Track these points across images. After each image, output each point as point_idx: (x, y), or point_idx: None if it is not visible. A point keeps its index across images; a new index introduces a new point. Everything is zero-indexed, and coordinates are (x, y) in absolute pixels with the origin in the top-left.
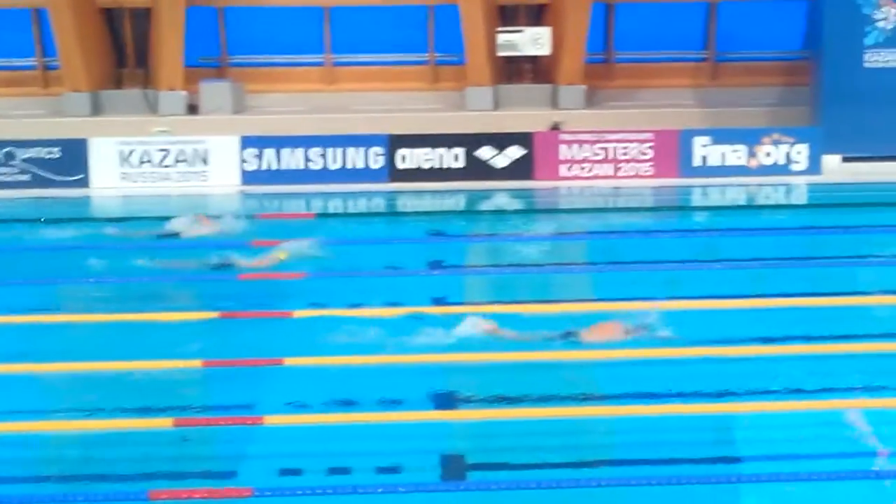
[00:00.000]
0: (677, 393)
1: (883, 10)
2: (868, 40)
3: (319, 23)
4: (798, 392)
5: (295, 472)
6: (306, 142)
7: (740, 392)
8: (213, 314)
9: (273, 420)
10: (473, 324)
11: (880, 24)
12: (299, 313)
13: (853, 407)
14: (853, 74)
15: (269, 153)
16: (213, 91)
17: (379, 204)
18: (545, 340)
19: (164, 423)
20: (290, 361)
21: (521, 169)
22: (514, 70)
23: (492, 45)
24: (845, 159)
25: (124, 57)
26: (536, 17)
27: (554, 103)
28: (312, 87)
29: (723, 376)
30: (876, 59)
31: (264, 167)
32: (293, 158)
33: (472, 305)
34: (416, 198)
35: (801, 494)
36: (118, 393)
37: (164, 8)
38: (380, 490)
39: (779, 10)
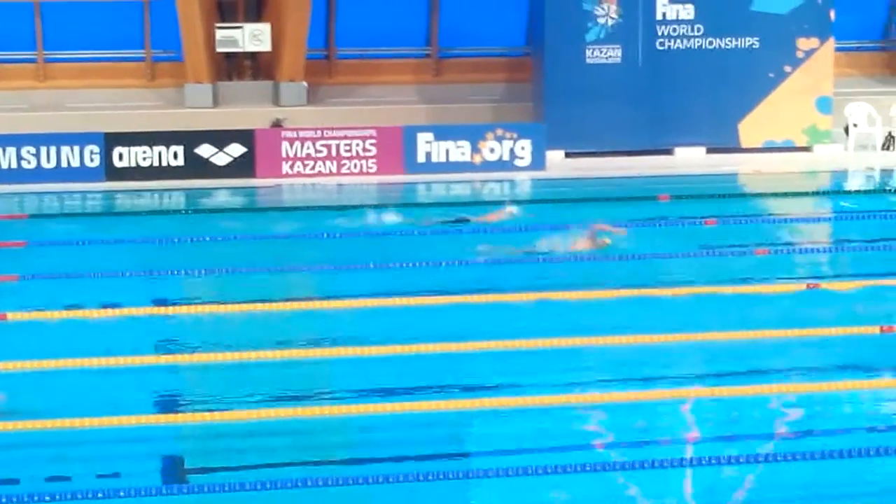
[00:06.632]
0: (406, 389)
1: (603, 6)
2: (589, 36)
3: (30, 18)
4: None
5: (12, 481)
6: (18, 140)
7: (474, 388)
8: None
9: None
10: None
11: (601, 20)
12: (13, 315)
13: (587, 401)
14: (575, 70)
15: None
16: None
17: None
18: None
19: None
20: (2, 366)
21: (242, 167)
22: (234, 67)
23: (210, 41)
24: (568, 154)
25: None
26: (256, 12)
27: (275, 100)
28: (24, 84)
29: (454, 372)
30: (597, 54)
31: None
32: (5, 157)
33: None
34: (133, 197)
35: (528, 489)
36: None
37: None
38: (99, 496)
39: (501, 5)
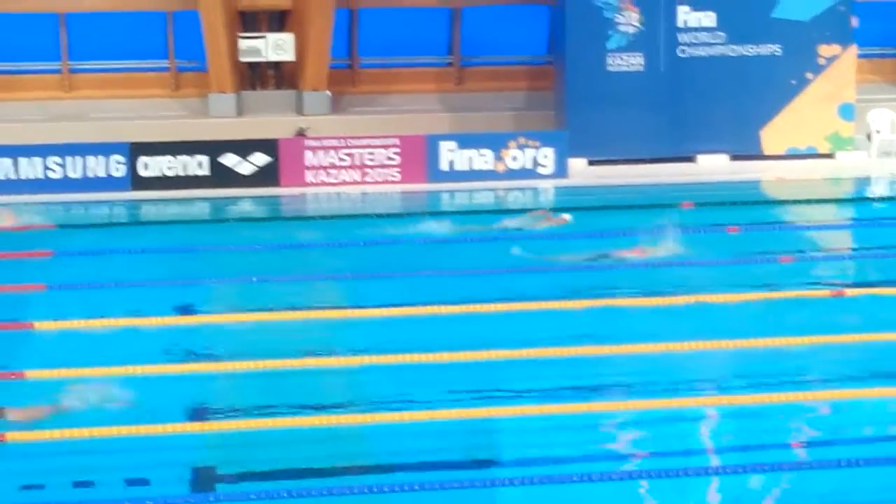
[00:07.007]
0: (434, 398)
1: (624, 14)
2: (610, 44)
3: (55, 29)
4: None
5: (38, 487)
6: (44, 150)
7: (498, 397)
8: None
9: (14, 436)
10: None
11: (622, 28)
12: (40, 325)
13: (611, 409)
14: (596, 78)
15: (6, 163)
16: None
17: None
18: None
19: None
20: (31, 374)
21: (266, 176)
22: (258, 76)
23: (234, 51)
24: (591, 162)
25: None
26: (279, 22)
27: (299, 109)
28: (49, 95)
29: (475, 380)
30: (618, 62)
31: (0, 177)
32: (31, 168)
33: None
34: (159, 206)
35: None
36: None
37: None
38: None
39: (522, 14)
